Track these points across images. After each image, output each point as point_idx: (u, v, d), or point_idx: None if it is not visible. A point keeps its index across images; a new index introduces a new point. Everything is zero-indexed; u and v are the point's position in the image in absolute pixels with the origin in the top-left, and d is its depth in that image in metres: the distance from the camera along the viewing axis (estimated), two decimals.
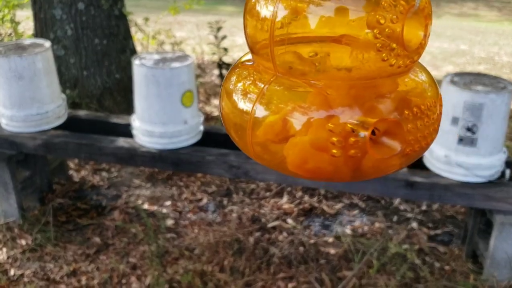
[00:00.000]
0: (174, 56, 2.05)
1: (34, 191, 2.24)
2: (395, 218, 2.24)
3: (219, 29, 2.93)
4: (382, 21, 0.40)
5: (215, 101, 3.59)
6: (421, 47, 0.44)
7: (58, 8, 2.86)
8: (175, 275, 1.84)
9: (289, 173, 0.46)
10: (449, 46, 6.03)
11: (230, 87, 0.49)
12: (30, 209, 2.21)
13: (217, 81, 3.94)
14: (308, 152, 0.43)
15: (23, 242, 2.02)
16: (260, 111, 0.45)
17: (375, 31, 0.40)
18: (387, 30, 0.40)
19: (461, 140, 1.76)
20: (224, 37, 2.98)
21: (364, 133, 0.40)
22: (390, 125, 0.42)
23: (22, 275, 1.86)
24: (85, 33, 2.90)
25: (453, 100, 1.75)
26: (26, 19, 3.61)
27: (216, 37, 2.93)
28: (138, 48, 3.71)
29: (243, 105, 0.46)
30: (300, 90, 0.44)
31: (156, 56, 2.04)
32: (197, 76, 3.94)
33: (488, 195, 1.76)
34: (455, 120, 1.75)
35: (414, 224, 2.19)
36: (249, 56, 0.50)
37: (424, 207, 2.33)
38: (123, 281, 1.84)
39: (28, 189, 2.20)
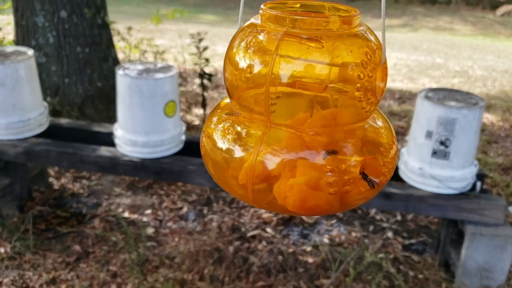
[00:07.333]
0: (157, 66, 2.09)
1: (13, 198, 2.23)
2: (371, 227, 2.30)
3: (200, 40, 2.96)
4: (362, 76, 0.47)
5: (196, 110, 3.62)
6: (383, 93, 0.52)
7: (41, 15, 2.86)
8: (155, 284, 1.86)
9: (286, 212, 0.50)
10: (425, 59, 6.17)
11: (212, 126, 0.54)
12: (9, 217, 2.20)
13: (198, 90, 3.97)
14: (306, 193, 0.47)
15: (2, 250, 2.02)
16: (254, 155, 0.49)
17: (357, 85, 0.47)
18: (366, 83, 0.47)
19: (434, 153, 1.83)
20: (206, 48, 3.02)
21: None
22: (369, 162, 0.49)
23: (0, 283, 1.86)
24: (67, 41, 2.90)
25: (428, 115, 1.82)
26: (6, 24, 3.60)
27: (198, 48, 2.97)
28: (120, 56, 3.72)
29: (238, 152, 0.50)
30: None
31: (140, 67, 2.07)
32: (179, 85, 3.96)
33: (460, 206, 1.83)
34: (429, 134, 1.82)
35: (390, 234, 2.25)
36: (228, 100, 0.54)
37: (399, 217, 2.39)
38: None
39: (8, 196, 2.20)
